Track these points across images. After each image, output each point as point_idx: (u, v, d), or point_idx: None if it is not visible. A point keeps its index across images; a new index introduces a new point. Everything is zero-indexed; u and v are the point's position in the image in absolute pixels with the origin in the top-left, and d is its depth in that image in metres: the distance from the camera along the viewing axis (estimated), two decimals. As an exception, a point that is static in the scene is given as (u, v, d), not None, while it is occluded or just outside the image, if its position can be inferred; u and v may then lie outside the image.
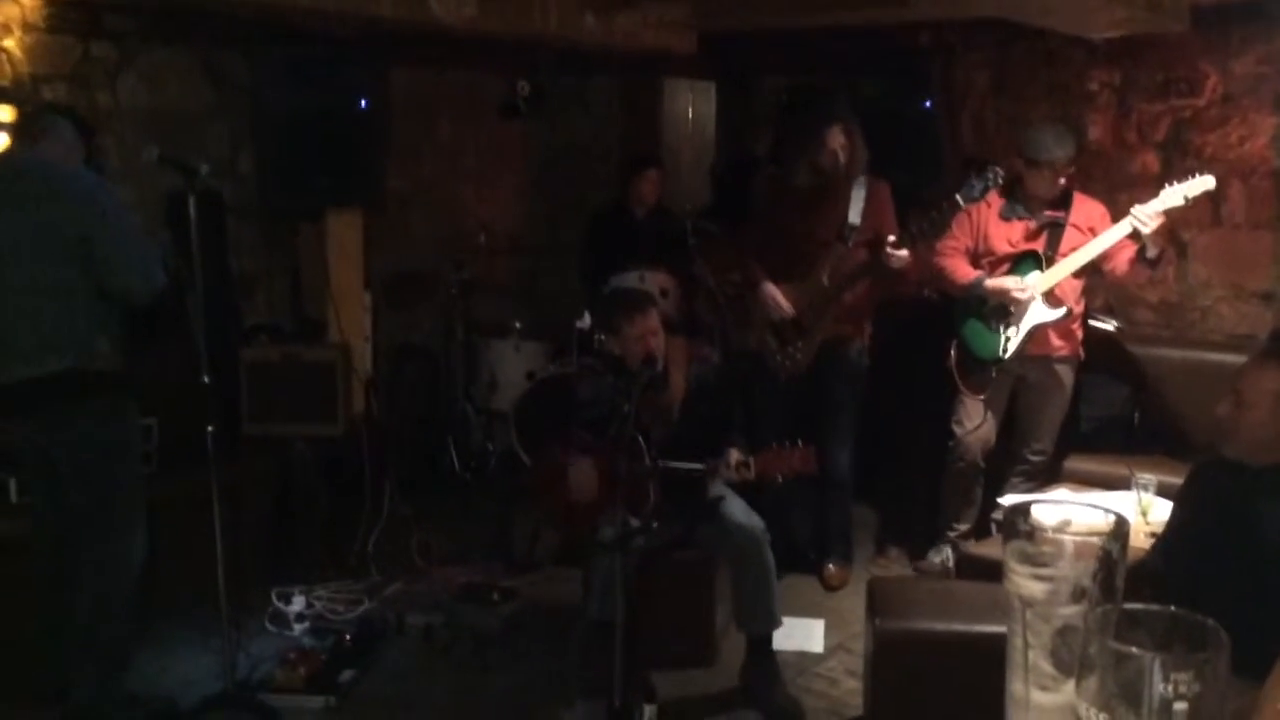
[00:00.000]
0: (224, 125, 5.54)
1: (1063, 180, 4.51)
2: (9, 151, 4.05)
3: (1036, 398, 4.72)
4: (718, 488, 4.01)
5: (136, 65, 5.17)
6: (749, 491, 4.04)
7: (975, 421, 4.72)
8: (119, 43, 5.09)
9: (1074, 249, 4.46)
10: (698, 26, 5.96)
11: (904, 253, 4.41)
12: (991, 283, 4.54)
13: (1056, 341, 4.62)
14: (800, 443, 3.69)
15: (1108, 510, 1.16)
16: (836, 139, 4.54)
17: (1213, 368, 4.63)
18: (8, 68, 4.68)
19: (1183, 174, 4.23)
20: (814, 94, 6.93)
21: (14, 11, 4.66)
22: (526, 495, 4.91)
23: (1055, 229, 4.53)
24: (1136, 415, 4.96)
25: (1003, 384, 4.70)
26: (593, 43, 5.71)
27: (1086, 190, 4.87)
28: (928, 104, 6.15)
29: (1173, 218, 4.38)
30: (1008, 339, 4.56)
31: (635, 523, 3.66)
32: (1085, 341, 4.80)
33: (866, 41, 6.15)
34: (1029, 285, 4.47)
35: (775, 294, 4.68)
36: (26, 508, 4.01)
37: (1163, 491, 3.79)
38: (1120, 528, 1.12)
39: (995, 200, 4.58)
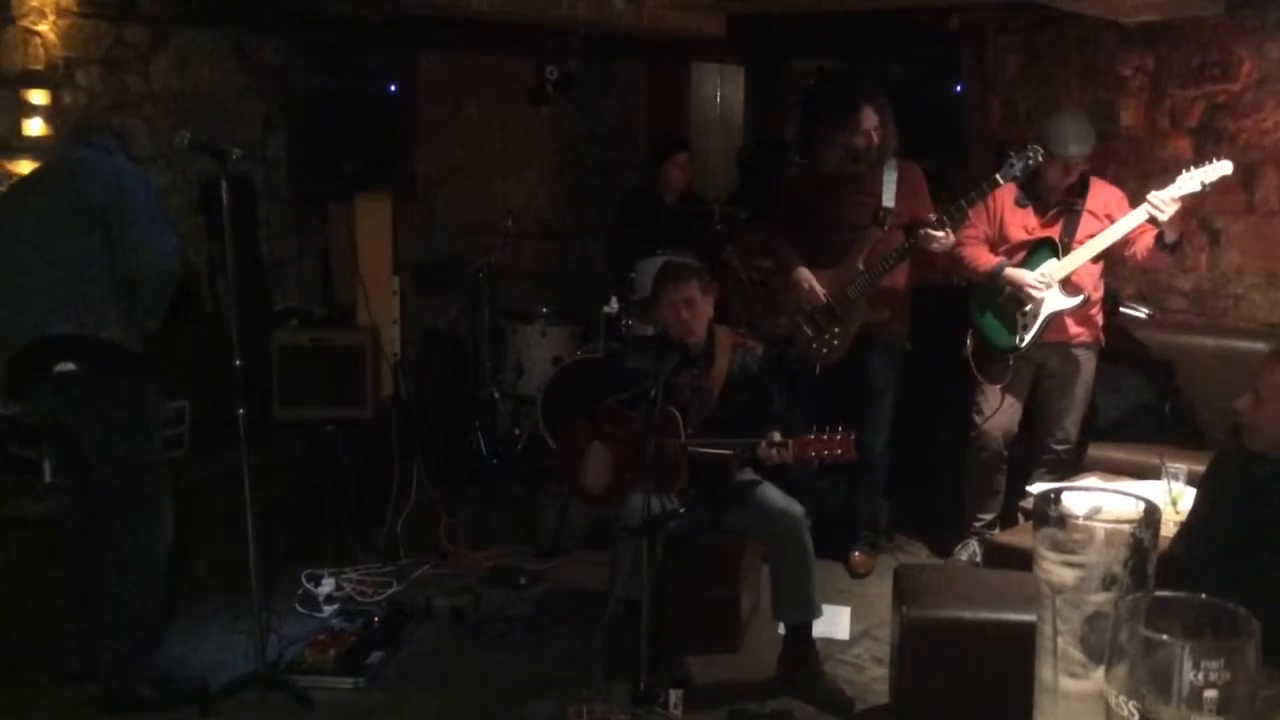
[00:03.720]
0: (254, 109, 5.57)
1: (1074, 175, 4.47)
2: (66, 146, 4.13)
3: (1057, 384, 4.68)
4: (746, 473, 4.02)
5: (168, 49, 5.21)
6: (778, 476, 4.04)
7: (995, 410, 4.69)
8: (151, 27, 5.12)
9: (1090, 236, 4.43)
10: (725, 10, 5.93)
11: (944, 234, 4.38)
12: (1011, 273, 4.51)
13: (1075, 328, 4.58)
14: (841, 429, 3.68)
15: (1138, 498, 1.15)
16: (870, 119, 4.49)
17: (1245, 356, 4.58)
18: (41, 52, 4.73)
19: (1214, 159, 4.18)
20: (842, 76, 6.91)
21: (48, -4, 4.70)
22: (553, 472, 4.93)
23: (1071, 215, 4.50)
24: (1168, 403, 4.92)
25: (1023, 372, 4.66)
26: (621, 26, 5.70)
27: (1119, 176, 4.82)
28: (958, 88, 6.11)
29: (1204, 205, 4.33)
30: (1024, 328, 4.53)
31: (664, 502, 3.68)
32: (1108, 328, 4.76)
33: (896, 24, 6.10)
34: (1047, 277, 4.44)
35: (810, 279, 4.62)
36: (61, 487, 4.08)
37: (1193, 481, 3.75)
38: (1151, 515, 1.12)
39: (1011, 187, 4.53)
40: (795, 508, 3.88)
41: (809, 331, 4.68)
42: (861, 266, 4.57)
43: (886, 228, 4.56)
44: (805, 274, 4.64)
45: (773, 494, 3.93)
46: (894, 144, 4.58)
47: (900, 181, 4.57)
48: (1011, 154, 4.30)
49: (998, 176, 4.31)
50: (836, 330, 4.63)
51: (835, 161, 4.58)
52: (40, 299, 3.54)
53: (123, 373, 3.60)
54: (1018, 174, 4.32)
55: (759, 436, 3.76)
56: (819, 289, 4.61)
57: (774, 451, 3.71)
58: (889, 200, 4.55)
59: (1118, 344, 4.91)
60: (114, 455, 3.59)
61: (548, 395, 5.79)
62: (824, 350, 4.66)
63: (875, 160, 4.55)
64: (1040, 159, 4.29)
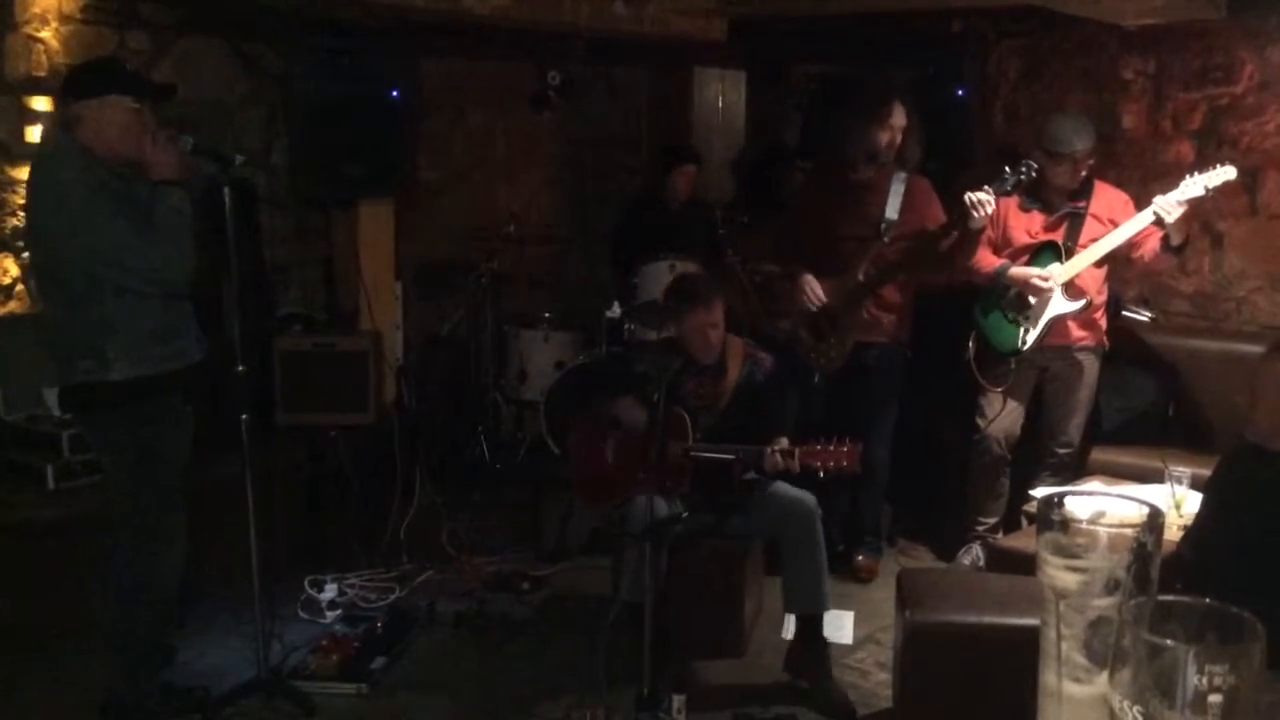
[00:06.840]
0: (257, 115, 5.58)
1: (1084, 170, 4.47)
2: (48, 139, 4.07)
3: (1060, 388, 4.68)
4: (751, 477, 4.01)
5: (171, 56, 5.21)
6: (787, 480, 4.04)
7: (997, 414, 4.69)
8: (154, 33, 5.12)
9: (1094, 239, 4.43)
10: (727, 14, 5.94)
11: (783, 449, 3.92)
12: (1015, 271, 4.51)
13: (1078, 332, 4.58)
14: (849, 441, 3.68)
15: (1142, 502, 1.15)
16: (900, 117, 4.52)
17: (1248, 359, 4.56)
18: (44, 59, 4.73)
19: (1218, 164, 4.18)
20: (843, 83, 6.92)
21: (51, 3, 4.70)
22: (561, 465, 4.92)
23: (1075, 219, 4.50)
24: (1170, 407, 4.91)
25: (1025, 375, 4.66)
26: (623, 31, 5.70)
27: (1121, 179, 4.81)
28: (960, 92, 6.11)
29: (1206, 208, 4.31)
30: (1026, 331, 4.53)
31: (671, 505, 3.69)
32: (1111, 331, 4.76)
33: (898, 29, 6.11)
34: (1051, 276, 4.44)
35: (813, 283, 4.65)
36: (64, 494, 4.08)
37: (1196, 484, 3.76)
38: (1154, 519, 1.11)
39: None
40: (808, 498, 3.90)
41: (809, 340, 4.69)
42: (862, 278, 4.59)
43: (887, 240, 4.56)
44: (809, 278, 4.66)
45: (784, 486, 3.94)
46: (917, 156, 4.60)
47: (907, 194, 4.57)
48: (1006, 168, 4.32)
49: (990, 190, 4.32)
50: (834, 339, 4.65)
51: (856, 157, 4.57)
52: (50, 343, 3.52)
53: (126, 407, 3.43)
54: (1009, 188, 4.35)
55: (765, 445, 3.76)
56: (820, 293, 4.63)
57: (779, 459, 3.71)
58: (891, 213, 4.56)
59: (1121, 347, 4.90)
60: (123, 479, 3.56)
61: (550, 399, 5.80)
62: (822, 360, 4.68)
63: (891, 163, 4.55)
64: (1034, 174, 4.30)
